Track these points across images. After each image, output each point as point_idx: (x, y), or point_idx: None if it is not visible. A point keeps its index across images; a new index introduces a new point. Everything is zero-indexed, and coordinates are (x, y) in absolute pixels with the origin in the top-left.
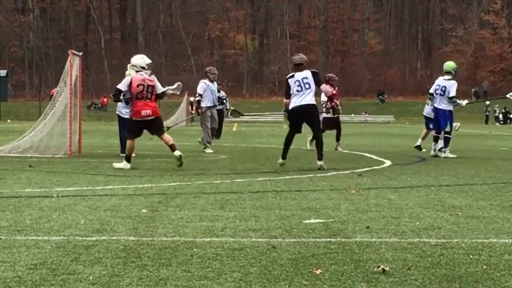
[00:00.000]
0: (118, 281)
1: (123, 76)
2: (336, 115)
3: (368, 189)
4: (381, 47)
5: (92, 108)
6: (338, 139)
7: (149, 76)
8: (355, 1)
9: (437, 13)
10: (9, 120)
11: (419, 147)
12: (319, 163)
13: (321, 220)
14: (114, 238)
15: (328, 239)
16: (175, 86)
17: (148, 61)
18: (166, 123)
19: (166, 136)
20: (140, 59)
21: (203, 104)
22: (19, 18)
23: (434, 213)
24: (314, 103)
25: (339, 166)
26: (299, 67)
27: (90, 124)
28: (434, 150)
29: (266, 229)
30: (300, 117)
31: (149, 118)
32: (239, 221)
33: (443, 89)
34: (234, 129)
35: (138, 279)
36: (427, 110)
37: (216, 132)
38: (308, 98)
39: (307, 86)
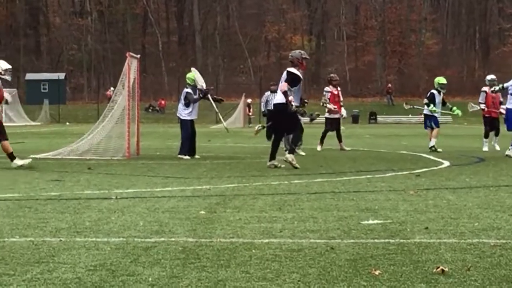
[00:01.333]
0: (177, 282)
1: (181, 78)
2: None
3: (427, 190)
4: (438, 48)
5: (149, 110)
6: (339, 140)
7: None
8: (412, 1)
9: (494, 13)
10: (67, 123)
11: (434, 147)
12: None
13: (379, 221)
14: (173, 239)
15: (387, 240)
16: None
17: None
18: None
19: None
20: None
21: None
22: (77, 21)
23: (493, 213)
24: (282, 101)
25: (397, 167)
26: (291, 64)
27: (148, 126)
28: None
29: (325, 230)
30: (272, 117)
31: None
32: (298, 222)
33: None
34: None
35: (197, 280)
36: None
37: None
38: (278, 97)
39: (280, 85)
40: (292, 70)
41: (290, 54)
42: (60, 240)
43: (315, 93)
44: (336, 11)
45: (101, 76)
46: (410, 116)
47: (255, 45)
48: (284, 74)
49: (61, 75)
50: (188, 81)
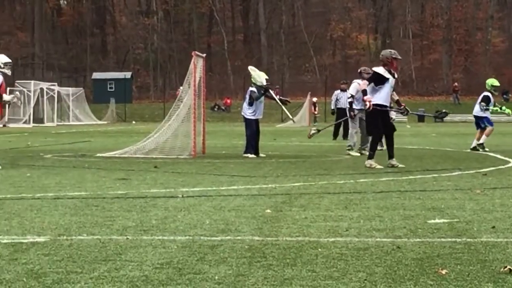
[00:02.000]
0: (243, 281)
1: (246, 77)
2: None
3: (493, 189)
4: (505, 46)
5: (215, 109)
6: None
7: None
8: None
9: None
10: (134, 122)
11: (476, 148)
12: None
13: (446, 220)
14: (239, 238)
15: (453, 239)
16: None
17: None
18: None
19: None
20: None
21: (354, 106)
22: (143, 20)
23: None
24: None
25: (463, 166)
26: (381, 64)
27: (213, 125)
28: None
29: (391, 229)
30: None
31: None
32: (363, 221)
33: None
34: None
35: (263, 279)
36: (477, 109)
37: (345, 133)
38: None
39: None
40: (378, 69)
41: (381, 53)
42: (127, 238)
43: None
44: (402, 9)
45: (167, 75)
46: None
47: (320, 43)
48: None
49: (127, 74)
50: (252, 80)
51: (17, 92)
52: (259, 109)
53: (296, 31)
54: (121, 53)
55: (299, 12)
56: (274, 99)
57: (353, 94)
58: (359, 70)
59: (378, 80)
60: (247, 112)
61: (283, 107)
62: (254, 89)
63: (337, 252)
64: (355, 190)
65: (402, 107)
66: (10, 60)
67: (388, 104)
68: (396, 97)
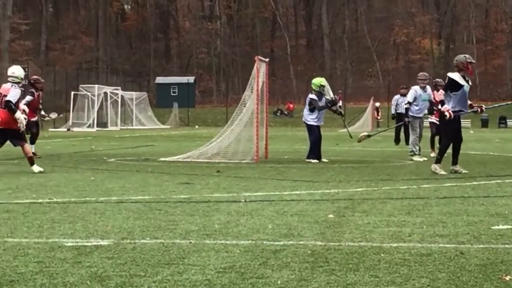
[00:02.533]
0: (306, 285)
1: (309, 82)
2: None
3: None
4: None
5: (278, 114)
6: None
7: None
8: None
9: None
10: (196, 126)
11: None
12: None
13: (509, 226)
14: (302, 242)
15: None
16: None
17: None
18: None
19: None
20: (21, 70)
21: (410, 113)
22: (207, 25)
23: None
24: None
25: None
26: (456, 69)
27: (276, 129)
28: None
29: (454, 234)
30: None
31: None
32: (426, 226)
33: None
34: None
35: (326, 284)
36: None
37: (406, 138)
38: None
39: None
40: (453, 75)
41: (455, 59)
42: (190, 242)
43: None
44: (466, 14)
45: (230, 80)
46: None
47: (383, 48)
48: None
49: (191, 79)
50: (313, 87)
51: (18, 112)
52: (321, 116)
53: (359, 36)
54: (184, 57)
55: (362, 17)
56: (339, 114)
57: (410, 101)
58: (434, 83)
59: (453, 87)
60: (309, 118)
61: (345, 125)
62: (314, 96)
63: (400, 258)
64: (418, 196)
65: (475, 108)
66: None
67: (463, 110)
68: (468, 102)
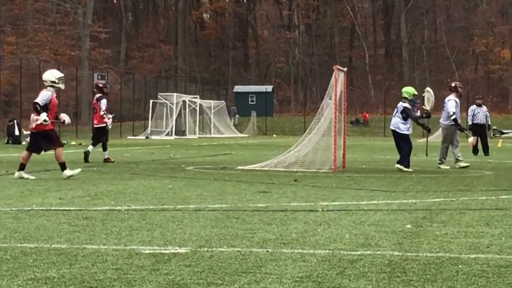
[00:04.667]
0: None
1: (387, 91)
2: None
3: None
4: None
5: (355, 123)
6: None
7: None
8: None
9: None
10: (274, 135)
11: None
12: None
13: None
14: (379, 252)
15: None
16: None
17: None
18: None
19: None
20: (49, 74)
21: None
22: (285, 34)
23: None
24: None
25: None
26: None
27: (354, 139)
28: None
29: None
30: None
31: (34, 130)
32: (505, 238)
33: None
34: (499, 145)
35: None
36: None
37: (483, 148)
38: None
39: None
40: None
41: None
42: (267, 251)
43: None
44: None
45: (308, 89)
46: None
47: (462, 58)
48: None
49: (269, 88)
50: (406, 95)
51: (43, 113)
52: (411, 124)
53: (438, 45)
54: (262, 66)
55: (441, 26)
56: (427, 130)
57: (454, 111)
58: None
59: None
60: (402, 127)
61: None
62: (407, 105)
63: (478, 269)
64: (497, 207)
65: None
66: (62, 75)
67: None
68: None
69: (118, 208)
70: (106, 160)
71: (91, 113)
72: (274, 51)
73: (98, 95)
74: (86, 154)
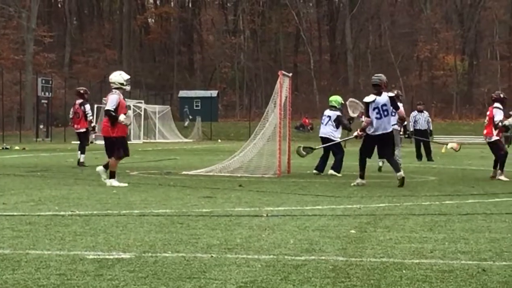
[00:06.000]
0: None
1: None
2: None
3: None
4: None
5: (300, 129)
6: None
7: (111, 93)
8: None
9: None
10: (219, 140)
11: None
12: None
13: None
14: (323, 258)
15: None
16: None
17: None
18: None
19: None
20: (118, 76)
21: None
22: (230, 39)
23: None
24: (391, 129)
25: None
26: (376, 88)
27: (298, 144)
28: None
29: (476, 251)
30: (375, 143)
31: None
32: (448, 243)
33: None
34: (443, 151)
35: None
36: None
37: (426, 153)
38: (386, 126)
39: (385, 113)
40: (392, 94)
41: (378, 78)
42: (212, 256)
43: (467, 113)
44: (490, 31)
45: (253, 94)
46: None
47: (407, 64)
48: (388, 100)
49: (214, 93)
50: (335, 104)
51: (130, 111)
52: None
53: (383, 51)
54: (207, 71)
55: (386, 32)
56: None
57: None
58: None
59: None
60: (335, 134)
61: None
62: (339, 113)
63: (421, 274)
64: (440, 212)
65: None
66: (129, 76)
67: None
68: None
69: (62, 213)
70: (81, 164)
71: (72, 118)
72: (219, 56)
73: (80, 101)
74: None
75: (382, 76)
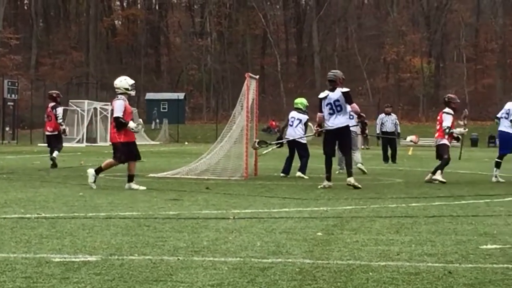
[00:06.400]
0: None
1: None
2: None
3: None
4: None
5: (267, 131)
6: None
7: (116, 99)
8: None
9: None
10: (186, 143)
11: None
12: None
13: (498, 246)
14: (290, 260)
15: (506, 265)
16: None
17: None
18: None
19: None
20: (123, 81)
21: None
22: (197, 42)
23: None
24: (347, 124)
25: None
26: (332, 84)
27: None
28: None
29: (442, 254)
30: (334, 139)
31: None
32: (415, 245)
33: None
34: (410, 153)
35: None
36: None
37: (392, 156)
38: (340, 121)
39: (338, 108)
40: (346, 89)
41: (333, 74)
42: (178, 259)
43: (433, 115)
44: (456, 34)
45: (220, 96)
46: None
47: (373, 66)
48: (341, 95)
49: (181, 95)
50: (301, 106)
51: (140, 120)
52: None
53: (350, 54)
54: (174, 73)
55: (353, 35)
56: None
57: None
58: (446, 98)
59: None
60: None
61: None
62: (307, 116)
63: (388, 276)
64: (407, 214)
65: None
66: (134, 81)
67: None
68: None
69: (28, 216)
70: (53, 160)
71: (45, 121)
72: (186, 59)
73: (52, 104)
74: (53, 160)
75: (338, 72)
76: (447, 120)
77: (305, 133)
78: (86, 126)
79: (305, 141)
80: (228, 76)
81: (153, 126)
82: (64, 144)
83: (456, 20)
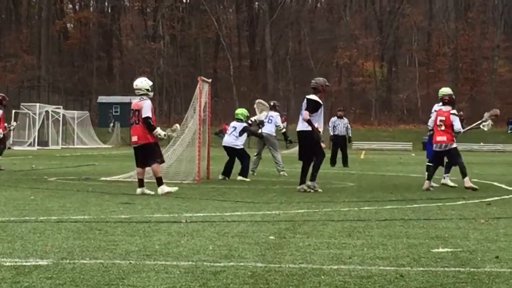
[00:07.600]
0: None
1: (252, 103)
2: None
3: (498, 219)
4: (511, 75)
5: (220, 135)
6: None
7: (142, 99)
8: (485, 28)
9: None
10: None
11: None
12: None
13: (449, 249)
14: (242, 264)
15: (457, 269)
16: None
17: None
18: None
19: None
20: (144, 82)
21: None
22: (150, 45)
23: None
24: (306, 129)
25: (467, 195)
26: (314, 91)
27: (218, 150)
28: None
29: (394, 257)
30: (299, 142)
31: (136, 144)
32: (367, 249)
33: None
34: (362, 156)
35: None
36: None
37: (343, 159)
38: (300, 125)
39: (301, 112)
40: (313, 97)
41: (314, 81)
42: (130, 263)
43: (386, 119)
44: (408, 38)
45: (173, 100)
46: (481, 144)
47: (326, 70)
48: (305, 102)
49: (133, 98)
50: (241, 117)
51: (177, 125)
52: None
53: (303, 57)
54: (127, 77)
55: (306, 38)
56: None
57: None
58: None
59: (316, 108)
60: (239, 143)
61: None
62: (246, 124)
63: (340, 280)
64: (359, 218)
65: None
66: (152, 82)
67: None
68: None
69: None
70: None
71: None
72: (139, 62)
73: None
74: None
75: (320, 80)
76: (457, 122)
77: (239, 137)
78: (37, 129)
79: (241, 146)
80: (180, 79)
81: (110, 129)
82: (15, 148)
83: (408, 24)
